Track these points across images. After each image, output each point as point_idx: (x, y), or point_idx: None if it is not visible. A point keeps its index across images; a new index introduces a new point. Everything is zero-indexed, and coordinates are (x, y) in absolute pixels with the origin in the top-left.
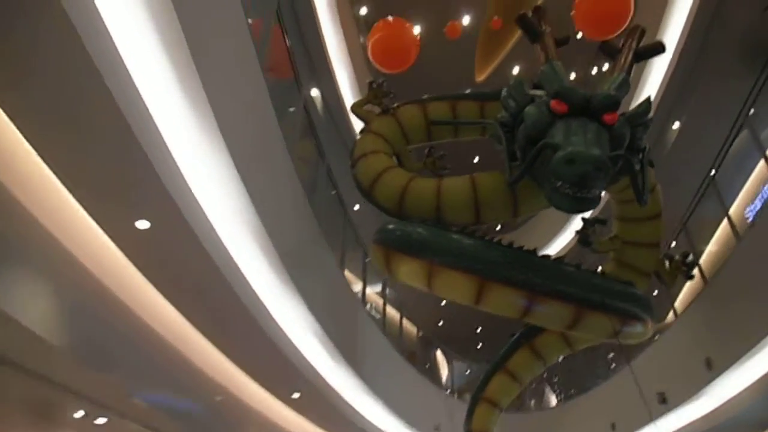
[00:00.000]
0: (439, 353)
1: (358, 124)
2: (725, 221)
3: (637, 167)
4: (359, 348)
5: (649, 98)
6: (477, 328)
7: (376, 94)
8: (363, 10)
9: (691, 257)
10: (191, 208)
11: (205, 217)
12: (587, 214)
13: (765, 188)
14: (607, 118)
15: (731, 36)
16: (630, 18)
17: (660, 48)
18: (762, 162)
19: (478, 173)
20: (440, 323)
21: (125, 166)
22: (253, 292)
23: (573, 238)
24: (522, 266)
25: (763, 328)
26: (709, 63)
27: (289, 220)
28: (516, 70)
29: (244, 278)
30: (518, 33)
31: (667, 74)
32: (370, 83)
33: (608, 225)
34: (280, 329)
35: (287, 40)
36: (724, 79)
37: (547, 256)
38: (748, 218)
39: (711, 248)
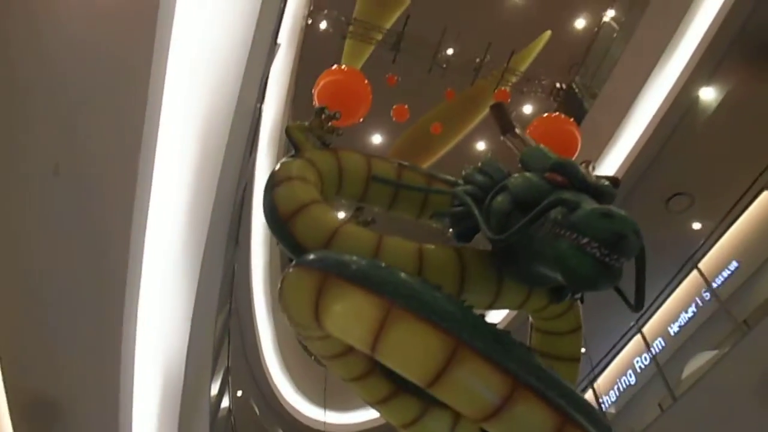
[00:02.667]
0: None
1: None
2: None
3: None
4: None
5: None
6: None
7: (323, 124)
8: None
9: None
10: None
11: None
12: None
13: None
14: None
15: None
16: (576, 153)
17: (616, 183)
18: None
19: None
20: None
21: None
22: None
23: None
24: (505, 348)
25: None
26: None
27: None
28: None
29: None
30: (449, 146)
31: None
32: (321, 109)
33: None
34: None
35: None
36: None
37: (525, 346)
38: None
39: None
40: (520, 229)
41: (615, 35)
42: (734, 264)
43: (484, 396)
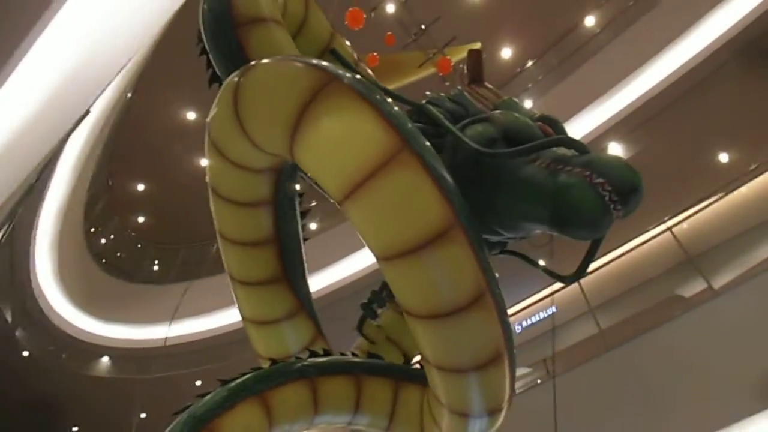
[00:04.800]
0: None
1: None
2: None
3: None
4: None
5: None
6: None
7: None
8: None
9: None
10: None
11: None
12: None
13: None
14: None
15: None
16: None
17: None
18: None
19: None
20: None
21: None
22: None
23: (365, 270)
24: (483, 246)
25: None
26: None
27: None
28: None
29: None
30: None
31: None
32: None
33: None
34: None
35: None
36: None
37: None
38: None
39: None
40: (520, 152)
41: (530, 85)
42: (552, 309)
43: (451, 288)
